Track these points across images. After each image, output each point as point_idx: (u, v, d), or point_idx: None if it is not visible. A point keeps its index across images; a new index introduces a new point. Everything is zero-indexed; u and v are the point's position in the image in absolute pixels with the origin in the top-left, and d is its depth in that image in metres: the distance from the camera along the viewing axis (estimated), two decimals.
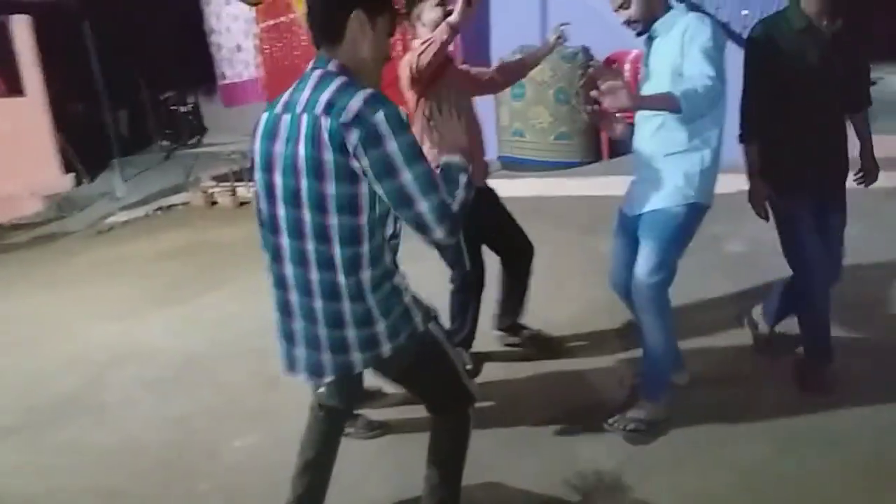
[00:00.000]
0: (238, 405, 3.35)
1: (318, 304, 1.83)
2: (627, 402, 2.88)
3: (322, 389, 2.23)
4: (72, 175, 9.69)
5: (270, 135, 1.82)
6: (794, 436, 2.64)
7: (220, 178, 8.53)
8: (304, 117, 1.74)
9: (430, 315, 2.01)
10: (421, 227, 1.75)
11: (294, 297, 1.87)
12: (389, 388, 2.90)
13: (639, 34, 2.66)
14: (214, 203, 8.17)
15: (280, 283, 1.90)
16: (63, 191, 9.41)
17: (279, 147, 1.79)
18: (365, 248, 1.78)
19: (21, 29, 9.28)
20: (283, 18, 10.01)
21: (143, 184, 9.43)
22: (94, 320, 4.68)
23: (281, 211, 1.82)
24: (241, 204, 7.99)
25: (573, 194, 6.44)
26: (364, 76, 1.82)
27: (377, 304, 1.83)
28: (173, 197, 8.66)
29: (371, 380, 2.53)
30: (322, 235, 1.77)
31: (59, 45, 9.33)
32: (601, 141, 7.46)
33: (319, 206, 1.75)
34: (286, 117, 1.79)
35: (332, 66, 1.80)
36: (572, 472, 2.55)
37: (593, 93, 2.31)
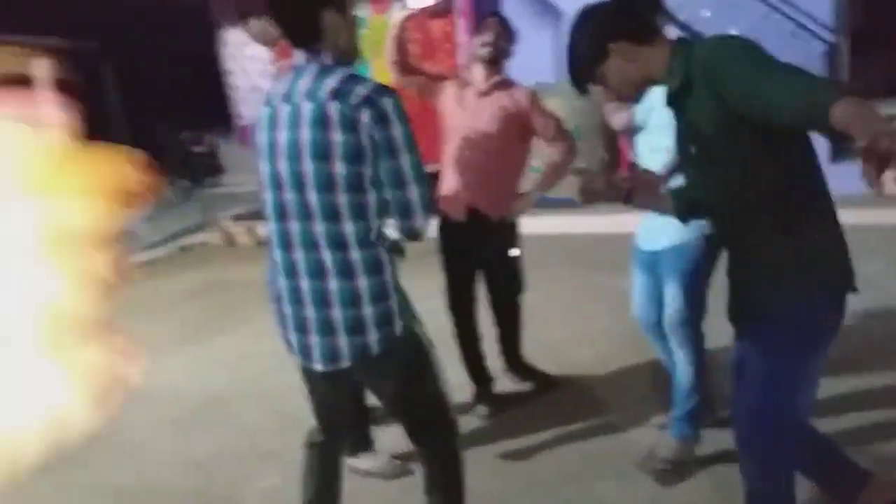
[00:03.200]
0: (259, 445, 3.34)
1: (333, 284, 1.86)
2: (656, 441, 2.83)
3: (313, 426, 2.22)
4: None
5: (271, 125, 1.88)
6: None
7: (238, 218, 8.61)
8: (307, 104, 1.80)
9: (418, 321, 2.04)
10: (406, 211, 1.85)
11: (305, 283, 1.89)
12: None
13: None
14: (233, 242, 8.23)
15: (290, 272, 1.92)
16: None
17: (281, 135, 1.85)
18: (376, 224, 1.85)
19: (41, 71, 9.47)
20: None
21: (163, 224, 9.52)
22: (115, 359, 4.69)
23: (288, 195, 1.87)
24: (260, 243, 8.04)
25: (592, 232, 6.44)
26: (351, 55, 1.92)
27: (391, 278, 1.90)
28: (192, 236, 8.74)
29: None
30: (332, 215, 1.82)
31: (78, 86, 9.52)
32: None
33: (328, 186, 1.80)
34: (285, 107, 1.85)
35: (327, 60, 1.87)
36: None
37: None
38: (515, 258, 3.24)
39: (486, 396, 3.35)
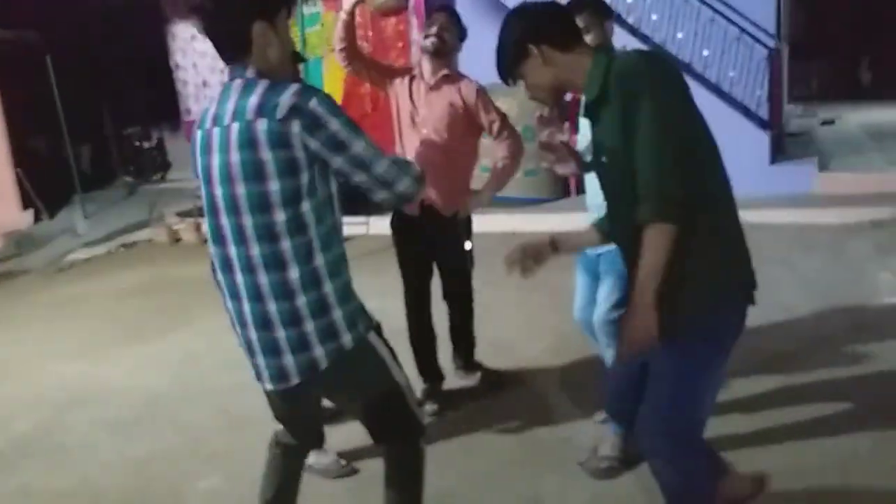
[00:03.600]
0: (202, 446, 3.27)
1: (272, 306, 1.83)
2: (597, 437, 2.87)
3: (280, 427, 2.19)
4: (31, 211, 9.49)
5: (205, 149, 1.85)
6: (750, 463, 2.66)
7: (184, 214, 8.44)
8: (235, 126, 1.77)
9: (373, 323, 2.00)
10: (385, 184, 1.85)
11: (247, 306, 1.87)
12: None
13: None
14: (178, 239, 8.06)
15: (234, 295, 1.89)
16: (22, 228, 9.20)
17: (214, 159, 1.82)
18: (313, 233, 1.80)
19: None
20: None
21: (106, 220, 9.27)
22: (53, 360, 4.54)
23: (223, 220, 1.84)
24: (206, 241, 7.90)
25: (541, 230, 6.48)
26: (280, 76, 1.85)
27: (334, 290, 1.84)
28: (136, 233, 8.52)
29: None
30: (267, 236, 1.78)
31: (20, 80, 9.21)
32: (568, 178, 7.58)
33: (262, 206, 1.77)
34: (216, 130, 1.82)
35: (249, 74, 1.82)
36: None
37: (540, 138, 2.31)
38: (468, 252, 3.24)
39: (435, 393, 3.35)
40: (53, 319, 5.54)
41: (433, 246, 3.23)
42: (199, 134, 1.88)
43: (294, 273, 1.79)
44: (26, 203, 9.46)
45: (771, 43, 8.14)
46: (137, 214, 9.09)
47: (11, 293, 6.61)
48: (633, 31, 7.65)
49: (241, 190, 1.77)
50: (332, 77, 8.80)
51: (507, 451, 2.95)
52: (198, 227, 7.98)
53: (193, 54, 10.65)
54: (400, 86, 3.17)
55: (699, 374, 1.86)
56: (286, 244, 1.78)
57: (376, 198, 1.89)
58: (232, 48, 1.83)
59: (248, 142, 1.74)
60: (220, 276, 1.92)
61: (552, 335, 4.04)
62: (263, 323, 1.85)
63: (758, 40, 7.80)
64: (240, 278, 1.85)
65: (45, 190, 9.53)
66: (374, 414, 2.06)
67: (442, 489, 2.13)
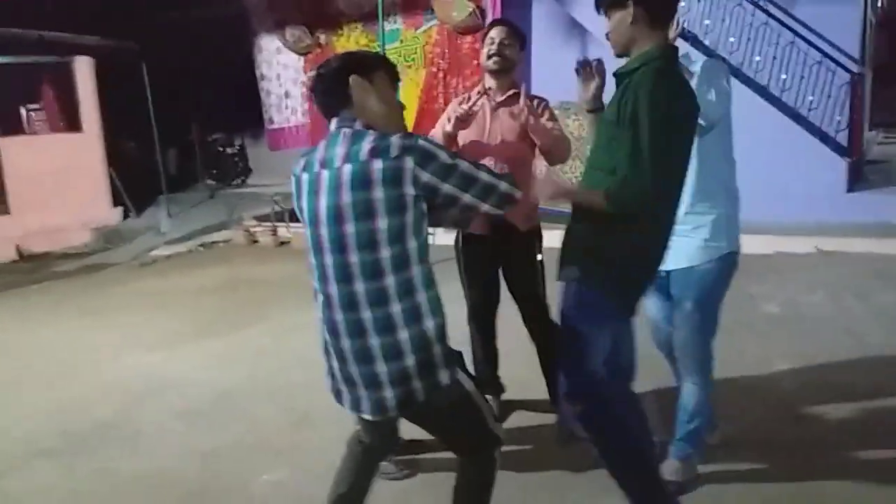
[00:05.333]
0: (268, 440, 3.39)
1: (374, 341, 1.92)
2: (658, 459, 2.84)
3: (360, 426, 2.27)
4: (120, 209, 10.02)
5: (312, 192, 1.97)
6: (821, 499, 2.60)
7: (261, 218, 8.76)
8: (347, 167, 1.89)
9: (459, 359, 2.08)
10: (492, 189, 2.00)
11: (346, 342, 1.96)
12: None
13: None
14: (255, 242, 8.37)
15: (333, 331, 2.00)
16: (111, 223, 9.72)
17: (321, 201, 1.94)
18: (416, 270, 1.92)
19: (83, 70, 9.75)
20: None
21: (188, 220, 9.70)
22: (133, 350, 4.80)
23: (328, 259, 1.95)
24: (281, 243, 8.17)
25: None
26: (385, 127, 1.99)
27: (435, 327, 1.95)
28: (216, 234, 8.88)
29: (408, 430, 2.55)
30: (373, 272, 1.89)
31: (117, 86, 9.77)
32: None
33: (369, 244, 1.88)
34: (325, 173, 1.94)
35: (359, 125, 1.97)
36: None
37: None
38: (540, 262, 3.19)
39: (493, 406, 3.37)
40: (135, 311, 5.85)
41: (506, 264, 3.19)
42: (305, 177, 2.01)
43: (397, 307, 1.90)
44: (116, 201, 10.02)
45: (854, 67, 7.88)
46: (218, 216, 9.48)
47: (98, 284, 7.01)
48: (710, 53, 7.54)
49: (350, 229, 1.89)
50: (408, 93, 9.00)
51: (565, 464, 2.95)
52: (274, 231, 8.27)
53: (277, 66, 11.05)
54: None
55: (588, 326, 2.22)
56: (390, 280, 1.89)
57: (483, 207, 2.01)
58: (335, 105, 2.01)
59: (362, 182, 1.86)
60: (320, 312, 2.03)
61: None
62: (364, 357, 1.94)
63: (840, 64, 7.56)
64: (340, 316, 1.95)
65: (133, 189, 10.08)
66: (454, 437, 2.16)
67: (496, 498, 2.17)
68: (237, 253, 8.03)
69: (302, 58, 10.67)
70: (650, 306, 2.85)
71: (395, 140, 1.87)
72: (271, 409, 3.72)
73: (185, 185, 11.95)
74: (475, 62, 8.86)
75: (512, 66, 3.08)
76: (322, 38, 10.37)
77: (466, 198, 1.95)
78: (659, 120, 2.01)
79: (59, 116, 10.10)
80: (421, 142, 1.90)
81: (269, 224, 8.45)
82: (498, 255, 3.18)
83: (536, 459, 3.02)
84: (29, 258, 8.77)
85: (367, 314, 1.91)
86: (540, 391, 3.32)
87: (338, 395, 2.09)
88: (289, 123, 11.20)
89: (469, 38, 9.00)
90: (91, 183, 9.73)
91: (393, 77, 2.08)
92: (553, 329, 3.23)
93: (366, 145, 1.88)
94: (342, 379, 2.03)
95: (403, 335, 1.91)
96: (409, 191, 1.86)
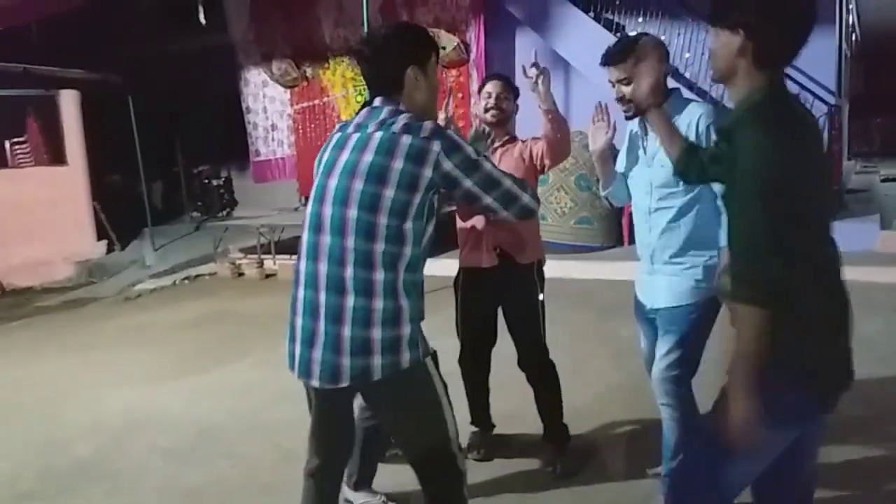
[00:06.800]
0: (253, 478, 3.34)
1: (350, 301, 1.92)
2: (648, 493, 2.83)
3: (309, 460, 2.25)
4: (104, 242, 9.96)
5: (338, 146, 2.04)
6: None
7: (247, 251, 8.73)
8: (378, 134, 1.96)
9: (430, 350, 2.07)
10: (513, 198, 2.05)
11: (323, 296, 1.95)
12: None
13: (630, 117, 2.63)
14: (241, 274, 8.33)
15: (312, 283, 1.98)
16: (94, 257, 9.65)
17: (344, 155, 2.00)
18: (408, 250, 1.94)
19: (69, 103, 9.75)
20: (316, 101, 10.46)
21: (173, 253, 9.64)
22: (116, 386, 4.73)
23: (327, 210, 1.97)
24: (267, 276, 8.13)
25: (594, 277, 6.48)
26: (424, 115, 2.05)
27: (409, 307, 1.95)
28: (201, 267, 8.84)
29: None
30: (367, 233, 1.92)
31: (103, 119, 9.78)
32: (622, 226, 7.57)
33: (371, 206, 1.91)
34: (356, 135, 2.01)
35: (401, 107, 2.03)
36: None
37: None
38: (541, 303, 3.15)
39: (485, 443, 3.34)
40: (118, 346, 5.78)
41: (506, 303, 3.16)
42: (336, 136, 2.08)
43: (380, 276, 1.91)
44: (101, 234, 9.95)
45: (831, 99, 8.03)
46: (203, 249, 9.44)
47: (81, 319, 6.92)
48: (691, 85, 7.67)
49: (358, 185, 1.94)
50: None
51: (557, 501, 2.93)
52: (261, 263, 8.23)
53: (264, 99, 11.11)
54: None
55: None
56: (380, 247, 1.91)
57: (502, 214, 2.07)
58: (385, 88, 2.06)
59: (388, 149, 1.93)
60: (302, 264, 2.03)
61: (599, 385, 4.01)
62: (337, 316, 1.93)
63: (817, 96, 7.71)
64: (324, 268, 1.95)
65: (118, 222, 10.03)
66: (413, 446, 2.11)
67: None
68: (222, 286, 7.98)
69: (288, 91, 10.74)
70: (641, 335, 2.87)
71: (428, 124, 1.95)
72: (256, 445, 3.66)
73: (171, 218, 11.91)
74: (460, 95, 8.97)
75: (508, 118, 3.21)
76: (308, 70, 10.44)
77: (488, 199, 2.02)
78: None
79: (44, 149, 10.06)
80: (449, 132, 1.99)
81: (254, 256, 8.42)
82: (499, 293, 3.16)
83: (525, 498, 2.99)
84: (11, 293, 8.68)
85: (349, 271, 1.92)
86: (533, 426, 3.30)
87: (291, 358, 2.04)
88: (275, 156, 11.23)
89: (454, 72, 9.11)
90: (75, 216, 9.68)
91: (437, 59, 2.16)
92: (551, 370, 3.26)
93: (400, 121, 1.96)
94: (302, 339, 1.99)
95: (379, 304, 1.91)
96: (427, 173, 1.92)
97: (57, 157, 9.85)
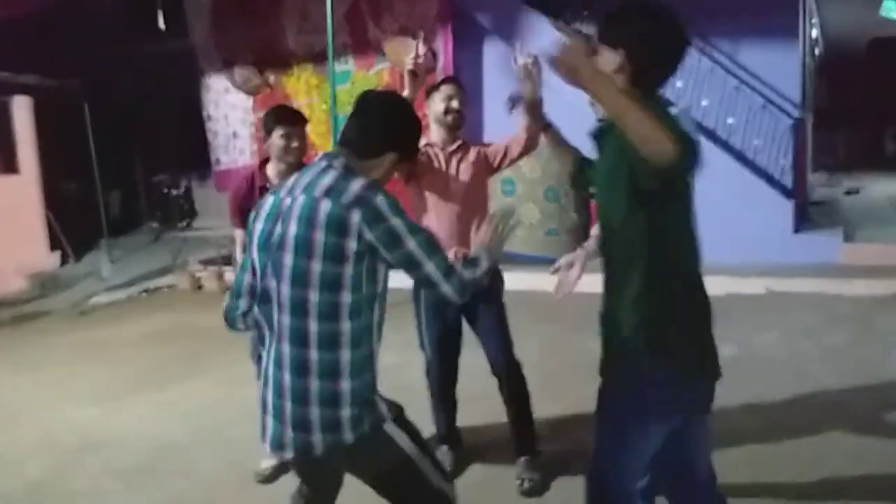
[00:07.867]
0: (212, 498, 3.23)
1: (287, 377, 1.86)
2: None
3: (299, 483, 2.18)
4: (58, 253, 9.65)
5: (272, 217, 1.91)
6: None
7: (207, 262, 8.53)
8: (301, 199, 1.84)
9: (390, 413, 1.96)
10: (430, 285, 1.91)
11: (271, 369, 1.91)
12: None
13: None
14: (200, 287, 8.13)
15: (267, 353, 1.95)
16: (48, 269, 9.34)
17: (277, 227, 1.88)
18: (345, 326, 1.82)
19: (21, 110, 9.45)
20: None
21: (130, 265, 9.39)
22: (69, 404, 4.54)
23: (272, 284, 1.89)
24: (228, 288, 7.95)
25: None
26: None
27: (351, 389, 1.85)
28: (160, 279, 8.61)
29: None
30: (301, 310, 1.83)
31: (58, 126, 9.51)
32: (590, 238, 7.60)
33: (302, 281, 1.82)
34: (287, 200, 1.89)
35: (337, 164, 1.90)
36: None
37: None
38: (503, 305, 3.19)
39: (450, 457, 3.27)
40: (72, 363, 5.56)
41: (469, 306, 3.10)
42: (270, 200, 1.96)
43: (314, 355, 1.83)
44: (54, 245, 9.64)
45: (795, 112, 8.20)
46: (162, 260, 9.21)
47: (32, 334, 6.67)
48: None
49: (289, 260, 1.83)
50: None
51: None
52: (220, 276, 8.04)
53: (225, 106, 10.91)
54: (426, 166, 3.14)
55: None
56: (313, 326, 1.82)
57: (424, 289, 1.96)
58: (356, 152, 1.94)
59: (308, 218, 1.80)
60: (266, 337, 1.96)
61: (567, 398, 3.97)
62: (279, 389, 1.88)
63: (782, 109, 7.86)
64: (273, 341, 1.91)
65: (73, 233, 9.73)
66: (399, 498, 2.03)
67: None
68: (181, 299, 7.78)
69: (251, 98, 10.58)
70: None
71: (355, 186, 1.82)
72: (216, 464, 3.54)
73: (129, 229, 11.61)
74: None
75: (464, 122, 3.23)
76: (272, 78, 10.30)
77: (408, 274, 1.90)
78: None
79: None
80: (378, 198, 1.82)
81: (215, 268, 8.22)
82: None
83: None
84: None
85: (286, 348, 1.85)
86: (502, 438, 3.25)
87: (263, 430, 1.96)
88: (236, 164, 11.03)
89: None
90: (27, 226, 9.34)
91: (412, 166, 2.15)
92: (521, 370, 3.21)
93: (326, 181, 1.84)
94: (274, 412, 1.92)
95: (314, 384, 1.83)
96: (352, 244, 1.78)
97: (8, 165, 9.53)
